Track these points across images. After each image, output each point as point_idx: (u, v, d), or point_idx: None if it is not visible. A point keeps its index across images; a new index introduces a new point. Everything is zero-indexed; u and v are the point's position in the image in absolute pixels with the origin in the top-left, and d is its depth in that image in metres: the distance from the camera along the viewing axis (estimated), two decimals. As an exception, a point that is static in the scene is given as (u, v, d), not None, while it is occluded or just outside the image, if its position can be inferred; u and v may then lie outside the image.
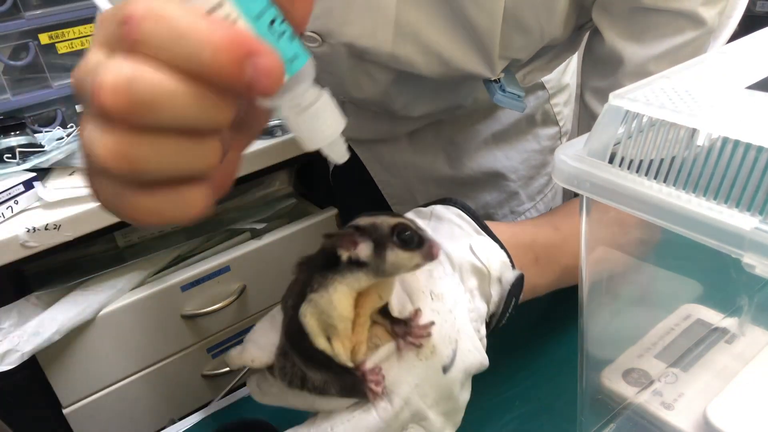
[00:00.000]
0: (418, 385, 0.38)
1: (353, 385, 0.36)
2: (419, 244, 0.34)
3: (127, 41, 0.20)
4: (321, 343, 0.35)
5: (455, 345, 0.39)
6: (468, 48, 0.52)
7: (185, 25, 0.20)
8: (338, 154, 0.28)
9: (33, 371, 0.87)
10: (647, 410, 0.42)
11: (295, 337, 0.36)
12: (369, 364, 0.37)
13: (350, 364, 0.36)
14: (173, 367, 1.01)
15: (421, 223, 0.45)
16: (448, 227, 0.44)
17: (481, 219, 0.45)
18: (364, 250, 0.34)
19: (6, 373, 0.80)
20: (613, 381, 0.44)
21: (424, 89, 0.64)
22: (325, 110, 0.25)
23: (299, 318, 0.35)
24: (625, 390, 0.43)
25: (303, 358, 0.36)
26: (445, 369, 0.38)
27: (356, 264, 0.34)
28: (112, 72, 0.20)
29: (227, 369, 1.05)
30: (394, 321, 0.38)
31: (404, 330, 0.38)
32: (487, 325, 0.42)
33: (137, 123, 0.21)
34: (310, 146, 0.26)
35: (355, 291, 0.35)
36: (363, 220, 0.35)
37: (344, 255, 0.34)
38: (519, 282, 0.42)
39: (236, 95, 0.22)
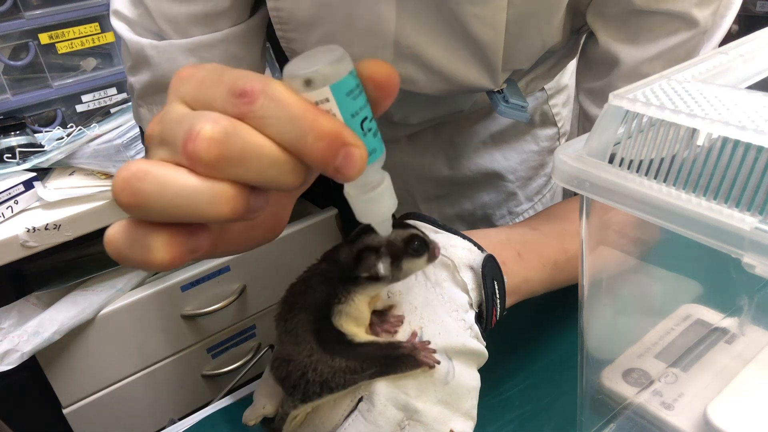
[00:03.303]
0: (392, 377, 0.38)
1: (398, 358, 0.38)
2: (426, 249, 0.38)
3: (238, 109, 0.24)
4: (363, 335, 0.39)
5: (420, 331, 0.39)
6: (471, 63, 0.52)
7: (297, 111, 0.24)
8: (384, 230, 0.32)
9: (33, 371, 0.87)
10: (647, 410, 0.42)
11: (331, 342, 0.38)
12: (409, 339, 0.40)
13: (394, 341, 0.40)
14: (173, 367, 1.01)
15: None
16: None
17: (439, 222, 0.45)
18: (383, 268, 0.37)
19: (6, 373, 0.80)
20: (613, 381, 0.44)
21: (422, 101, 0.64)
22: (384, 194, 0.29)
23: (335, 327, 0.38)
24: (625, 390, 0.43)
25: (344, 355, 0.38)
26: None
27: (375, 277, 0.38)
28: (211, 124, 0.23)
29: (227, 369, 1.05)
30: (372, 313, 0.40)
31: (381, 320, 0.40)
32: (482, 314, 0.42)
33: (220, 173, 0.24)
34: (363, 221, 0.30)
35: (373, 297, 0.39)
36: (374, 240, 0.38)
37: (365, 275, 0.37)
38: (490, 262, 0.42)
39: (318, 172, 0.25)
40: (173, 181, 0.23)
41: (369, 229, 0.38)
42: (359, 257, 0.37)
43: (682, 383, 0.43)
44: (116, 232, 0.25)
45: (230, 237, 0.32)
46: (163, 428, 0.56)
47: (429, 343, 0.39)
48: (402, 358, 0.38)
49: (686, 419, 0.40)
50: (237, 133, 0.23)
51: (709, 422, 0.39)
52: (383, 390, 0.38)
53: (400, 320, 0.40)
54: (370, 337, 0.39)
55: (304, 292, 0.39)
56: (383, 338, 0.39)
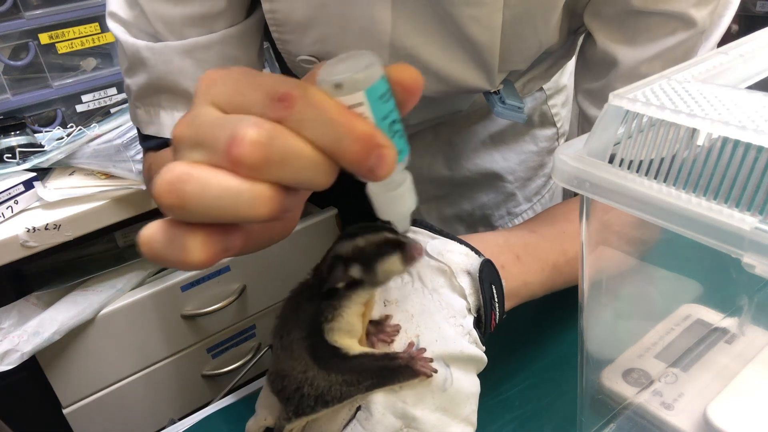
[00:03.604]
0: (388, 386, 0.38)
1: (395, 369, 0.38)
2: (401, 250, 0.37)
3: (277, 114, 0.25)
4: (357, 347, 0.38)
5: (416, 339, 0.39)
6: (467, 64, 0.52)
7: (334, 115, 0.25)
8: (404, 228, 0.33)
9: (33, 371, 0.87)
10: (647, 410, 0.42)
11: (326, 358, 0.38)
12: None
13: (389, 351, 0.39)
14: (173, 367, 1.01)
15: None
16: None
17: (436, 227, 0.45)
18: (355, 272, 0.37)
19: (6, 373, 0.80)
20: (613, 381, 0.44)
21: (420, 102, 0.64)
22: (405, 193, 0.31)
23: (329, 342, 0.38)
24: (625, 390, 0.43)
25: (339, 369, 0.38)
26: None
27: (354, 284, 0.37)
28: (254, 128, 0.24)
29: (227, 369, 1.05)
30: (369, 323, 0.40)
31: (377, 329, 0.40)
32: (481, 319, 0.42)
33: (262, 175, 0.24)
34: (383, 217, 0.31)
35: (361, 306, 0.38)
36: (345, 248, 0.38)
37: (341, 285, 0.37)
38: (487, 267, 0.42)
39: (350, 171, 0.26)
40: (216, 184, 0.24)
41: (343, 237, 0.38)
42: (329, 269, 0.38)
43: (682, 383, 0.43)
44: (153, 233, 0.26)
45: (254, 235, 0.33)
46: (163, 428, 0.56)
47: (425, 351, 0.39)
48: (399, 369, 0.38)
49: (686, 419, 0.40)
50: (279, 137, 0.24)
51: (709, 422, 0.39)
52: (381, 399, 0.38)
53: (397, 329, 0.40)
54: (366, 349, 0.39)
55: (296, 310, 0.39)
56: (379, 349, 0.39)
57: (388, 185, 0.30)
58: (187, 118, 0.26)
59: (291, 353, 0.39)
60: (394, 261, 0.37)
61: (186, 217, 0.25)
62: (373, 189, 0.30)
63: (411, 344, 0.40)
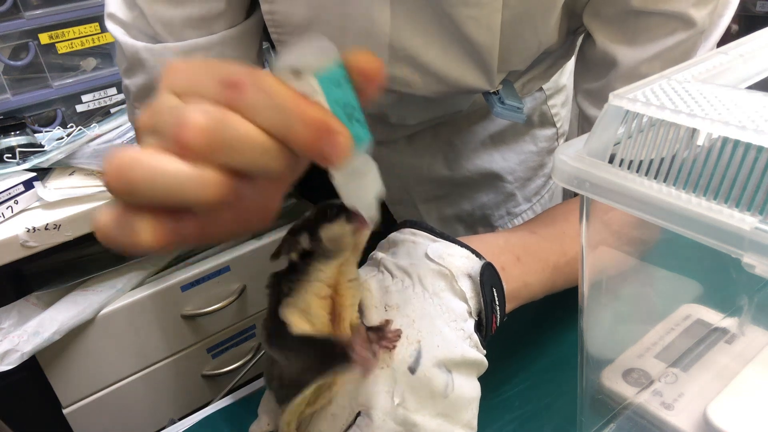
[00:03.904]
0: (389, 391, 0.38)
1: (331, 355, 0.37)
2: (345, 214, 0.37)
3: (228, 99, 0.25)
4: (302, 326, 0.37)
5: (418, 345, 0.39)
6: (466, 65, 0.52)
7: (284, 100, 0.25)
8: (371, 215, 0.32)
9: (33, 371, 0.87)
10: (647, 410, 0.42)
11: (274, 333, 0.38)
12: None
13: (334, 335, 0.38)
14: (173, 367, 1.01)
15: (382, 254, 0.45)
16: (403, 247, 0.44)
17: (437, 230, 0.45)
18: (303, 242, 0.37)
19: (6, 373, 0.80)
20: (613, 381, 0.44)
21: (419, 102, 0.64)
22: (370, 180, 0.31)
23: (279, 317, 0.37)
24: (625, 390, 0.43)
25: (285, 350, 0.38)
26: (412, 369, 0.38)
27: (308, 256, 0.37)
28: (200, 113, 0.24)
29: (227, 369, 1.05)
30: (369, 329, 0.40)
31: (378, 336, 0.39)
32: (482, 322, 0.42)
33: (209, 159, 0.25)
34: (349, 204, 0.31)
35: (324, 286, 0.38)
36: (298, 222, 0.38)
37: (293, 255, 0.37)
38: (488, 270, 0.42)
39: (305, 158, 0.27)
40: (162, 168, 0.24)
41: (305, 218, 0.38)
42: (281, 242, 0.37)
43: (682, 383, 0.43)
44: (105, 217, 0.26)
45: (219, 223, 0.33)
46: (163, 428, 0.56)
47: (399, 334, 0.39)
48: (335, 356, 0.37)
49: (686, 419, 0.40)
50: (225, 122, 0.25)
51: (709, 422, 0.39)
52: (381, 404, 0.38)
53: (398, 334, 0.40)
54: (308, 331, 0.37)
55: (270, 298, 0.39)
56: (325, 334, 0.38)
57: (351, 173, 0.30)
58: (149, 106, 0.27)
59: (265, 343, 0.39)
60: (337, 225, 0.37)
61: (135, 201, 0.25)
62: (337, 177, 0.30)
63: (383, 325, 0.39)
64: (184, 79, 0.26)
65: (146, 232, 0.25)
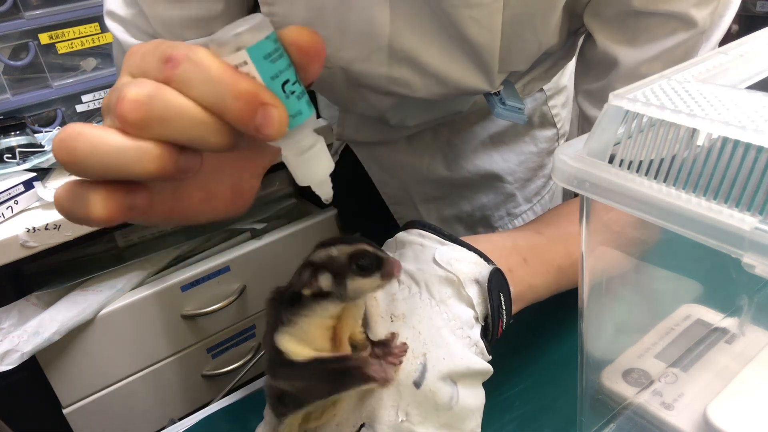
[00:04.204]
0: (394, 405, 0.38)
1: (346, 372, 0.37)
2: (378, 267, 0.36)
3: (164, 75, 0.26)
4: (302, 351, 0.36)
5: (423, 358, 0.39)
6: (467, 66, 0.52)
7: (216, 73, 0.26)
8: (325, 193, 0.32)
9: (33, 371, 0.87)
10: (647, 410, 0.42)
11: (273, 365, 0.37)
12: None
13: (340, 353, 0.37)
14: (173, 367, 1.01)
15: (390, 253, 0.45)
16: (411, 250, 0.44)
17: (445, 232, 0.45)
18: (324, 281, 0.36)
19: (6, 373, 0.80)
20: (613, 381, 0.44)
21: (419, 104, 0.64)
22: (318, 156, 0.30)
23: (275, 345, 0.37)
24: (625, 390, 0.43)
25: (291, 379, 0.37)
26: (417, 383, 0.38)
27: (321, 295, 0.36)
28: (136, 88, 0.25)
29: (227, 369, 1.05)
30: (374, 344, 0.39)
31: (384, 351, 0.39)
32: (488, 327, 0.42)
33: (146, 133, 0.25)
34: (302, 183, 0.31)
35: (327, 319, 0.37)
36: (318, 255, 0.37)
37: (307, 292, 0.36)
38: (496, 275, 0.42)
39: (242, 132, 0.27)
40: (103, 141, 0.25)
41: (320, 245, 0.37)
42: (297, 273, 0.36)
43: (682, 383, 0.43)
44: (61, 191, 0.27)
45: (187, 204, 0.33)
46: (163, 428, 0.56)
47: (405, 348, 0.38)
48: (349, 373, 0.36)
49: (686, 419, 0.40)
50: (159, 96, 0.25)
51: (709, 422, 0.39)
52: (385, 419, 0.38)
53: (404, 349, 0.39)
54: (314, 354, 0.36)
55: (269, 314, 0.39)
56: (329, 354, 0.37)
57: (296, 149, 0.30)
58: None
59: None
60: (370, 280, 0.35)
61: (82, 173, 0.26)
62: (284, 153, 0.30)
63: (389, 340, 0.39)
64: (136, 60, 0.27)
65: (97, 204, 0.26)
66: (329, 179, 0.32)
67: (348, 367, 0.36)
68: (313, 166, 0.30)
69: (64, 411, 0.93)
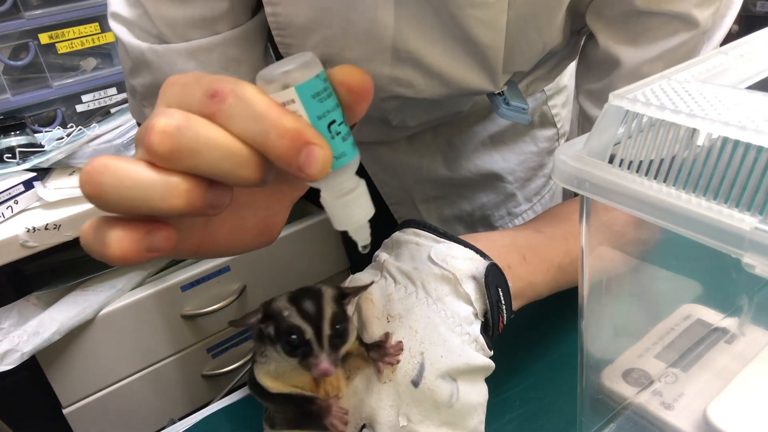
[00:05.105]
0: (393, 405, 0.38)
1: (309, 414, 0.37)
2: (304, 355, 0.34)
3: (210, 109, 0.25)
4: (278, 387, 0.37)
5: (421, 357, 0.39)
6: (471, 66, 0.52)
7: (262, 109, 0.25)
8: (362, 239, 0.31)
9: (33, 371, 0.87)
10: (647, 410, 0.42)
11: (255, 387, 0.38)
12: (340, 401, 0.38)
13: (312, 395, 0.37)
14: (173, 367, 1.01)
15: (386, 255, 0.45)
16: (406, 249, 0.44)
17: (440, 230, 0.44)
18: (270, 331, 0.35)
19: (6, 373, 0.80)
20: (613, 381, 0.44)
21: (421, 105, 0.64)
22: (358, 199, 0.30)
23: (254, 376, 0.37)
24: (625, 390, 0.43)
25: (266, 401, 0.38)
26: (416, 382, 0.38)
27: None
28: (165, 118, 0.24)
29: (227, 369, 1.05)
30: (370, 347, 0.39)
31: (379, 353, 0.39)
32: (488, 322, 0.42)
33: (175, 166, 0.25)
34: (339, 227, 0.30)
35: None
36: (281, 302, 0.36)
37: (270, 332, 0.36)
38: (493, 270, 0.42)
39: (273, 167, 0.26)
40: (129, 174, 0.24)
41: (300, 291, 0.36)
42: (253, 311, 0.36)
43: (682, 383, 0.43)
44: (87, 225, 0.26)
45: (215, 238, 0.32)
46: (163, 428, 0.56)
47: (401, 347, 0.38)
48: (312, 416, 0.36)
49: (686, 419, 0.40)
50: (189, 126, 0.24)
51: (709, 422, 0.39)
52: (385, 419, 0.38)
53: (400, 347, 0.39)
54: (287, 390, 0.37)
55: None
56: (300, 392, 0.37)
57: (336, 191, 0.29)
58: None
59: None
60: (292, 361, 0.35)
61: (107, 208, 0.25)
62: (323, 195, 0.29)
63: (384, 341, 0.39)
64: (176, 92, 0.27)
65: (113, 244, 0.25)
66: (368, 225, 0.31)
67: (310, 410, 0.37)
68: (352, 210, 0.30)
69: (64, 411, 0.93)
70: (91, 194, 0.25)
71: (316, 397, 0.37)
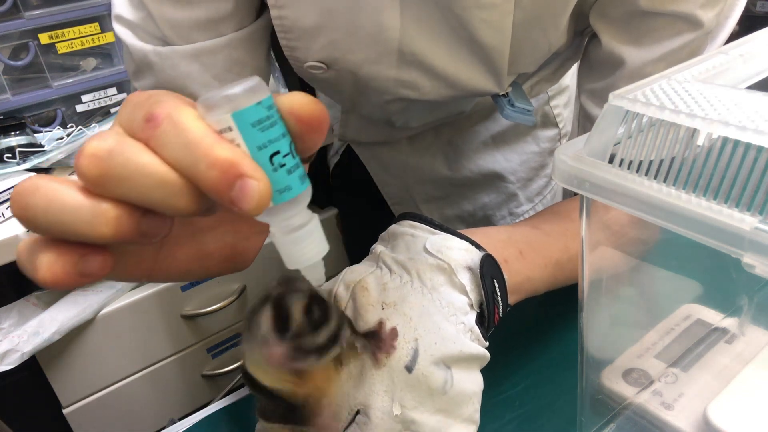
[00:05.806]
0: (387, 391, 0.38)
1: (305, 415, 0.36)
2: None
3: (146, 134, 0.24)
4: (267, 381, 0.35)
5: (415, 343, 0.39)
6: (476, 68, 0.52)
7: (193, 137, 0.23)
8: (314, 278, 0.29)
9: (33, 371, 0.87)
10: (647, 410, 0.42)
11: (247, 378, 0.36)
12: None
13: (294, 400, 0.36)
14: (173, 367, 1.01)
15: (382, 246, 0.45)
16: (402, 241, 0.44)
17: (436, 222, 0.44)
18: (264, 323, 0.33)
19: (6, 373, 0.80)
20: (613, 381, 0.44)
21: (424, 106, 0.64)
22: (309, 236, 0.28)
23: (245, 366, 0.36)
24: (625, 390, 0.43)
25: (256, 394, 0.37)
26: (409, 368, 0.38)
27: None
28: (97, 141, 0.23)
29: (227, 369, 1.05)
30: (365, 336, 0.39)
31: (375, 342, 0.38)
32: (484, 314, 0.42)
33: (105, 191, 0.23)
34: (289, 265, 0.28)
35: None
36: (275, 291, 0.34)
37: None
38: (488, 261, 0.42)
39: (218, 203, 0.24)
40: (58, 197, 0.23)
41: (291, 288, 0.34)
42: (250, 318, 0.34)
43: (682, 383, 0.43)
44: (22, 246, 0.25)
45: (171, 263, 0.31)
46: (163, 428, 0.56)
47: (396, 333, 0.38)
48: (300, 415, 0.35)
49: (686, 419, 0.40)
50: (122, 152, 0.23)
51: (709, 422, 0.39)
52: (378, 404, 0.38)
53: (395, 334, 0.39)
54: (277, 385, 0.35)
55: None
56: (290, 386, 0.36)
57: (284, 226, 0.27)
58: None
59: None
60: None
61: (36, 230, 0.24)
62: (271, 230, 0.27)
63: (378, 329, 0.38)
64: (127, 111, 0.26)
65: (43, 267, 0.24)
66: (321, 263, 0.29)
67: (300, 408, 0.35)
68: (302, 247, 0.28)
69: (64, 411, 0.93)
70: (19, 216, 0.23)
71: (306, 400, 0.37)
